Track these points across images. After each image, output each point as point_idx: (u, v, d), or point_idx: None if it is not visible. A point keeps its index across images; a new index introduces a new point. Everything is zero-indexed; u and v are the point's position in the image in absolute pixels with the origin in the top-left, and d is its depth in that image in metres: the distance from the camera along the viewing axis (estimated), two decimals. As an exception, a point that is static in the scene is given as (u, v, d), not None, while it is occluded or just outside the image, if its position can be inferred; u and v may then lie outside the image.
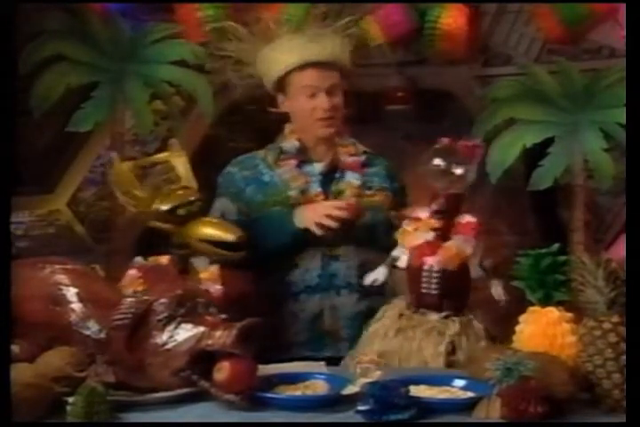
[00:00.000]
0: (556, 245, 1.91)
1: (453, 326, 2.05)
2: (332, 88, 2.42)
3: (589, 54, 3.51)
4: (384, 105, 3.87)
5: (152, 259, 2.13)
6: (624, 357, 1.66)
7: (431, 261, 2.06)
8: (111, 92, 3.50)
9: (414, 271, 2.09)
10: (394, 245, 2.18)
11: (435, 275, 2.06)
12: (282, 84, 2.45)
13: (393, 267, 2.16)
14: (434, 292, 2.06)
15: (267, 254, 2.33)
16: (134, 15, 3.49)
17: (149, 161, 2.31)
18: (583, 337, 1.73)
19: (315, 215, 2.33)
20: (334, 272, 2.41)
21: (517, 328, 1.91)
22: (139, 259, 2.13)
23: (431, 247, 2.08)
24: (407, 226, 2.13)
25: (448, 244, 2.07)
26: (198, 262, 2.18)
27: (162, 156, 2.29)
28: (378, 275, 2.18)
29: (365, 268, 2.34)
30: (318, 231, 2.32)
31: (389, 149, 2.83)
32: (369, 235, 2.41)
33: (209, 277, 2.12)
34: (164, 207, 2.16)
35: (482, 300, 2.13)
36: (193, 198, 2.18)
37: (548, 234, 3.61)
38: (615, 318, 1.70)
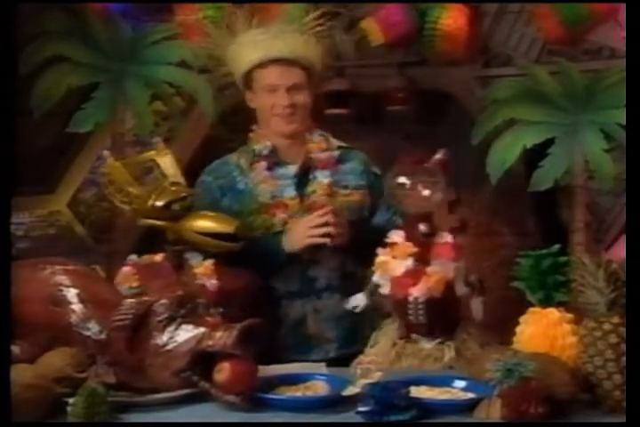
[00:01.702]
0: (556, 246, 1.91)
1: (449, 352, 2.01)
2: (295, 86, 2.38)
3: (590, 55, 3.50)
4: (384, 106, 3.87)
5: (146, 257, 2.14)
6: (624, 358, 1.66)
7: (416, 293, 1.99)
8: (112, 93, 3.50)
9: (399, 302, 2.03)
10: (372, 243, 2.11)
11: (420, 306, 2.00)
12: (248, 80, 2.43)
13: (373, 294, 2.09)
14: (423, 322, 2.01)
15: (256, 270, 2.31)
16: (135, 16, 3.49)
17: (136, 161, 2.32)
18: (584, 338, 1.73)
19: (300, 238, 2.31)
20: (315, 276, 2.39)
21: (518, 329, 1.91)
22: (133, 257, 2.14)
23: (413, 276, 2.01)
24: (383, 255, 2.06)
25: (429, 271, 2.00)
26: (192, 258, 2.18)
27: (147, 155, 2.29)
28: (358, 302, 2.12)
29: (345, 268, 2.36)
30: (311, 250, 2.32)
31: (389, 150, 2.83)
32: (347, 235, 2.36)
33: (204, 271, 2.13)
34: (160, 203, 2.16)
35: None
36: (184, 194, 2.19)
37: (548, 235, 3.61)
38: (615, 319, 1.71)
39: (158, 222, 2.18)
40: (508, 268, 1.99)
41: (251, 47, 2.39)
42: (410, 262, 2.02)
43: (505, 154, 3.38)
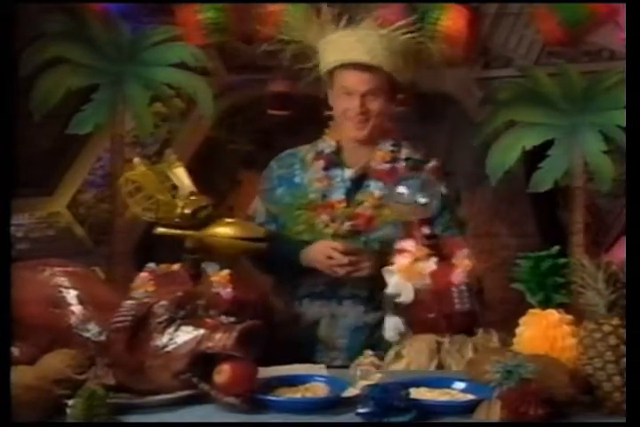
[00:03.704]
0: (556, 248, 1.91)
1: (494, 338, 2.04)
2: (370, 91, 2.35)
3: (589, 56, 3.51)
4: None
5: (164, 266, 2.14)
6: (624, 359, 1.66)
7: (458, 279, 2.04)
8: (111, 95, 3.50)
9: (440, 294, 2.05)
10: None
11: (464, 289, 2.04)
12: (329, 79, 2.42)
13: (394, 306, 2.10)
14: (470, 307, 2.04)
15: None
16: (134, 18, 3.49)
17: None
18: (583, 340, 1.73)
19: (318, 260, 2.32)
20: (341, 282, 2.37)
21: (517, 331, 1.91)
22: (151, 265, 2.14)
23: (446, 267, 2.07)
24: (402, 259, 2.09)
25: (456, 261, 2.07)
26: (209, 267, 2.19)
27: (159, 166, 2.29)
28: (396, 325, 2.11)
29: (375, 282, 2.30)
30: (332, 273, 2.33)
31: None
32: (382, 249, 2.34)
33: (220, 280, 2.14)
34: (188, 211, 2.17)
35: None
36: (206, 203, 2.20)
37: (547, 236, 3.61)
38: (615, 321, 1.70)
39: (177, 231, 2.20)
40: (507, 269, 1.99)
41: (334, 47, 2.38)
42: (435, 259, 2.08)
43: (504, 155, 3.38)
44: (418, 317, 2.09)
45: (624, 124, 3.17)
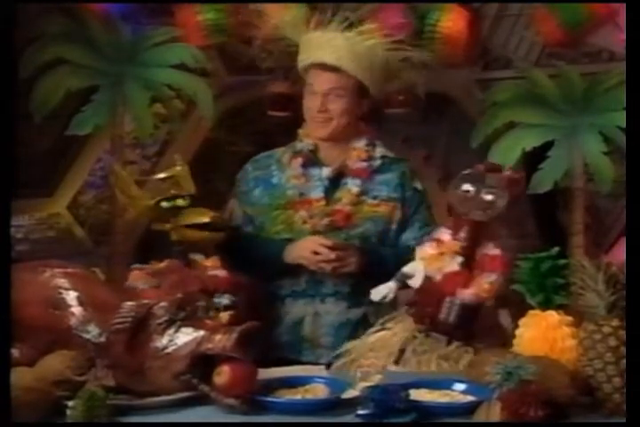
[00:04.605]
0: (555, 249, 1.91)
1: (467, 357, 2.00)
2: (332, 91, 2.38)
3: (589, 58, 3.51)
4: (384, 108, 3.87)
5: (151, 265, 2.14)
6: (624, 360, 1.66)
7: (464, 295, 2.01)
8: (111, 96, 3.50)
9: (438, 297, 2.03)
10: (392, 256, 2.16)
11: (456, 307, 2.01)
12: (304, 77, 2.45)
13: (402, 284, 2.11)
14: (451, 322, 2.02)
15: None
16: (134, 19, 3.49)
17: (156, 178, 2.38)
18: (583, 341, 1.73)
19: (302, 256, 2.32)
20: (323, 279, 2.38)
21: (517, 332, 1.91)
22: (136, 266, 2.14)
23: (462, 277, 2.03)
24: (430, 248, 2.08)
25: (484, 278, 2.02)
26: (196, 257, 2.23)
27: (168, 172, 2.34)
28: (387, 290, 2.11)
29: (356, 277, 2.34)
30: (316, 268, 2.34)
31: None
32: (363, 245, 2.39)
33: (213, 264, 2.18)
34: (150, 202, 2.27)
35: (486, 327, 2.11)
36: (181, 193, 2.27)
37: (547, 237, 3.61)
38: (615, 322, 1.71)
39: (164, 226, 2.28)
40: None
41: (308, 46, 2.40)
42: (458, 262, 2.04)
43: (504, 156, 3.38)
44: (413, 301, 2.10)
45: (624, 125, 3.17)
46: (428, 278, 2.06)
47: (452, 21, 3.43)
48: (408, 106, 3.81)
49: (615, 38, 3.28)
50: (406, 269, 2.10)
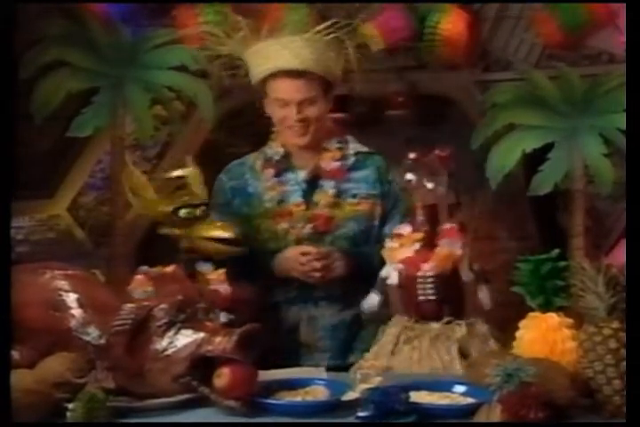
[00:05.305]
0: (556, 251, 1.91)
1: (460, 330, 2.04)
2: (307, 99, 2.35)
3: (589, 60, 3.51)
4: (384, 110, 3.88)
5: (157, 269, 2.14)
6: (624, 363, 1.66)
7: (426, 267, 2.06)
8: (111, 98, 3.50)
9: (409, 281, 2.09)
10: (377, 253, 2.17)
11: (429, 280, 2.06)
12: (262, 88, 2.41)
13: (381, 289, 2.16)
14: (431, 297, 2.06)
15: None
16: (135, 21, 3.49)
17: (165, 177, 2.35)
18: (583, 343, 1.73)
19: (289, 268, 2.33)
20: (314, 284, 2.37)
21: (518, 334, 1.91)
22: (144, 268, 2.14)
23: (422, 255, 2.09)
24: (391, 243, 2.14)
25: (438, 249, 2.08)
26: (203, 267, 2.22)
27: (178, 173, 2.31)
28: (372, 301, 2.17)
29: (346, 279, 2.34)
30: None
31: (389, 155, 2.83)
32: (350, 245, 2.39)
33: (217, 277, 2.16)
34: (167, 208, 2.22)
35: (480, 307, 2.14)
36: (197, 202, 2.24)
37: (547, 239, 3.61)
38: (615, 324, 1.70)
39: (174, 231, 2.25)
40: (507, 272, 1.99)
41: (262, 57, 2.35)
42: (417, 246, 2.09)
43: (504, 158, 3.38)
44: (396, 299, 2.15)
45: (624, 126, 3.17)
46: (400, 273, 2.11)
47: (451, 23, 3.43)
48: (408, 108, 3.82)
49: (615, 40, 3.28)
50: (382, 273, 2.15)
